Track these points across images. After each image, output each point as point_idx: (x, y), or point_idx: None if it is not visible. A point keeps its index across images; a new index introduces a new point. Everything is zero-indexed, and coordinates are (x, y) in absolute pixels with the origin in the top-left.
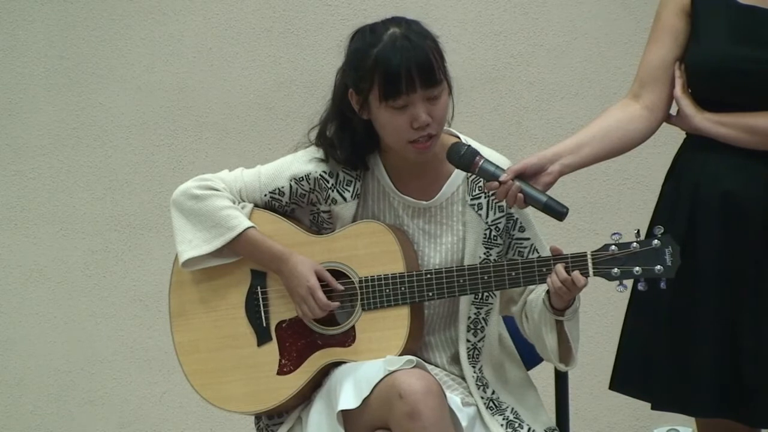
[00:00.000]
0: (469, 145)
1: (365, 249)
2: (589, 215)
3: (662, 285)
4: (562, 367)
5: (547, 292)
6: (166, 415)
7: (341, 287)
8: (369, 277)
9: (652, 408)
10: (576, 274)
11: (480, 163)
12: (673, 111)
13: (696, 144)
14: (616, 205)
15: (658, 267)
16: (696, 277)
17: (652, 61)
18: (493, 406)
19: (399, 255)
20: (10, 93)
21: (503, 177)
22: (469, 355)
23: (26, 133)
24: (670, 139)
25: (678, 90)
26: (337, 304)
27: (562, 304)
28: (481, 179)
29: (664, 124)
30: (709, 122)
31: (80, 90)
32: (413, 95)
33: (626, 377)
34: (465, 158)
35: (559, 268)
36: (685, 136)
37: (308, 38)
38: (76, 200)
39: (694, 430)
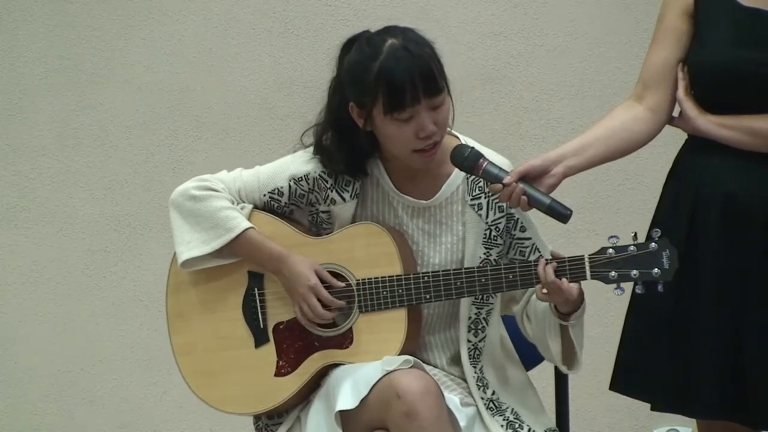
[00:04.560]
0: (473, 148)
1: (362, 251)
2: (589, 216)
3: (659, 288)
4: (564, 369)
5: None
6: (166, 415)
7: (341, 284)
8: (366, 279)
9: (652, 409)
10: (563, 281)
11: (484, 166)
12: (676, 112)
13: (697, 145)
14: (615, 205)
15: (656, 270)
16: (698, 278)
17: (654, 62)
18: (493, 407)
19: (396, 257)
20: (10, 93)
21: (507, 179)
22: (470, 355)
23: (26, 133)
24: (670, 139)
25: (681, 92)
26: (343, 303)
27: (567, 309)
28: (481, 179)
29: (666, 125)
30: (711, 124)
31: (80, 90)
32: (418, 106)
33: (626, 377)
34: (469, 161)
35: (549, 270)
36: (686, 137)
37: (308, 38)
38: (76, 200)
39: (694, 430)
